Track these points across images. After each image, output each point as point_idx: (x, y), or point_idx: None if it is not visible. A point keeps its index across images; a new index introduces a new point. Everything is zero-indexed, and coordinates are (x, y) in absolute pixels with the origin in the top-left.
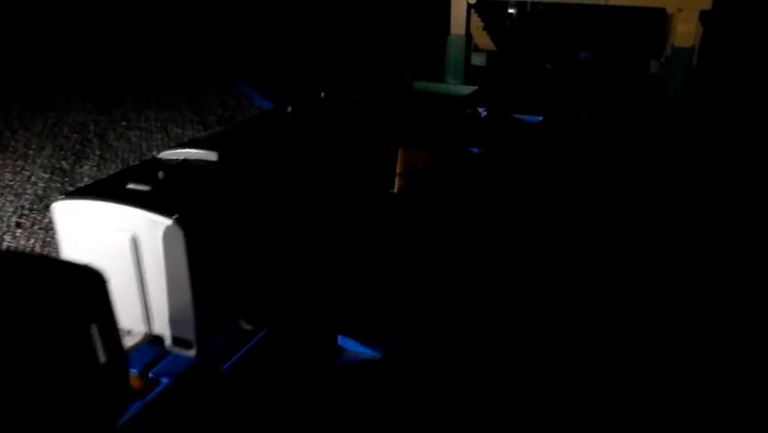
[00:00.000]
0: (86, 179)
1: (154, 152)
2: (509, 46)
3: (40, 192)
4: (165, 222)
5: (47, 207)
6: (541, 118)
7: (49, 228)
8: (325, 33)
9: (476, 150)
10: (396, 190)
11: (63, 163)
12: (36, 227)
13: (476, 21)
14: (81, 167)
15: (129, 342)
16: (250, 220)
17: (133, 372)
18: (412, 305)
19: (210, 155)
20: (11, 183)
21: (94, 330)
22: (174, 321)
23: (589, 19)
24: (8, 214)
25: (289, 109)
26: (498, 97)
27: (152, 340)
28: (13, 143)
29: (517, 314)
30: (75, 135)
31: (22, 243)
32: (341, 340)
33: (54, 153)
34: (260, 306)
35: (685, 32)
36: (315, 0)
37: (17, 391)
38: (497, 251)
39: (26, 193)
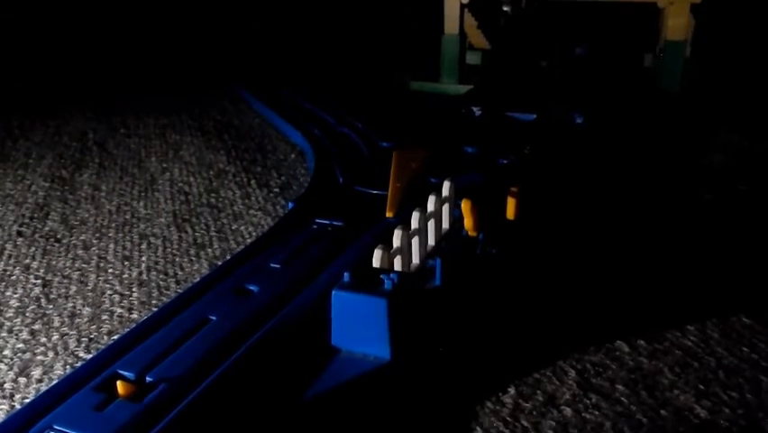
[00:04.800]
0: (85, 187)
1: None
2: (504, 44)
3: (40, 201)
4: None
5: (47, 216)
6: (534, 116)
7: (49, 237)
8: (320, 36)
9: (470, 149)
10: (390, 193)
11: (63, 172)
12: (37, 236)
13: (470, 19)
14: (81, 175)
15: None
16: None
17: (129, 375)
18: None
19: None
20: (12, 192)
21: None
22: None
23: (583, 15)
24: (9, 222)
25: None
26: (493, 96)
27: None
28: (14, 153)
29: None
30: (74, 144)
31: (23, 251)
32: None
33: (54, 162)
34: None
35: (677, 25)
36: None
37: None
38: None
39: (27, 202)
